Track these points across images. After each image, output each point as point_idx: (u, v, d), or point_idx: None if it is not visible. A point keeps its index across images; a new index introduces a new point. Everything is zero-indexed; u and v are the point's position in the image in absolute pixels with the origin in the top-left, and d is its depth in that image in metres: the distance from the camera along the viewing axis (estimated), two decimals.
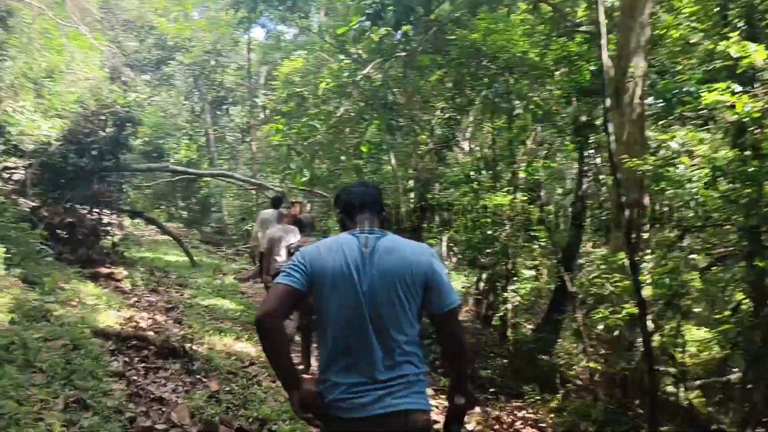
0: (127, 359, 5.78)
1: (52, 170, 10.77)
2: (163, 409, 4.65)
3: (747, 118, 5.29)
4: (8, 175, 10.94)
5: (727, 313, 6.69)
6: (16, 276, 7.15)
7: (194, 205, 24.83)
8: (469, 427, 6.37)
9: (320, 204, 15.98)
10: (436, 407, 5.49)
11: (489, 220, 10.20)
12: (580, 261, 11.93)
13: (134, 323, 7.41)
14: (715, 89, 5.53)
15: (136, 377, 5.32)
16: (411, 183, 11.91)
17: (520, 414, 7.18)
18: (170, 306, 9.08)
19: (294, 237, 7.34)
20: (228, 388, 5.51)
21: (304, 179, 11.57)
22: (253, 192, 20.76)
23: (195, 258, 14.71)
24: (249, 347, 7.33)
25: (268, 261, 7.79)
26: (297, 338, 7.15)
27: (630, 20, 7.40)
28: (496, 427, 6.72)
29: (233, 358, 6.73)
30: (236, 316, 9.24)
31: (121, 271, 10.54)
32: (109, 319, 7.24)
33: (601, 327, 7.17)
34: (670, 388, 7.27)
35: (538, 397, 7.56)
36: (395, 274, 2.44)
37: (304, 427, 4.75)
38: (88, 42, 16.51)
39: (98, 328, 6.43)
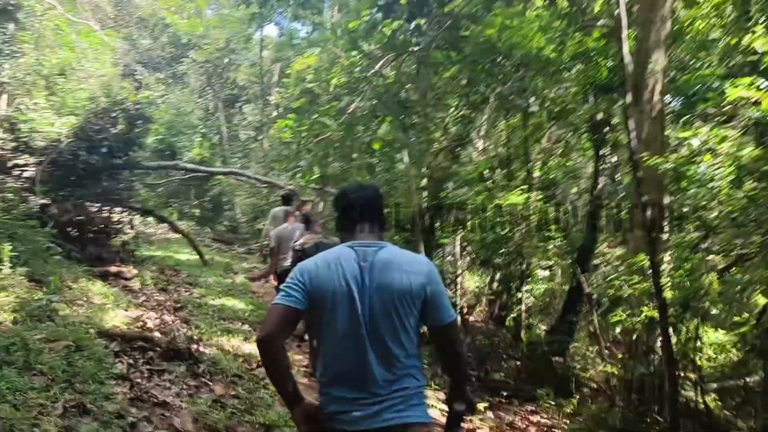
0: (131, 361, 5.63)
1: (62, 167, 10.69)
2: (166, 414, 4.51)
3: None
4: (19, 172, 10.84)
5: (746, 315, 6.47)
6: (21, 274, 7.04)
7: (207, 204, 24.81)
8: None
9: (332, 201, 15.82)
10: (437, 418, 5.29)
11: (503, 219, 10.03)
12: (595, 261, 11.71)
13: (141, 323, 7.31)
14: (740, 85, 5.31)
15: (139, 380, 5.18)
16: (424, 182, 11.73)
17: (534, 419, 7.00)
18: (179, 305, 8.97)
19: (300, 235, 7.27)
20: (234, 392, 5.36)
21: (314, 177, 11.42)
22: (266, 190, 20.67)
23: (206, 256, 14.64)
24: (257, 349, 7.18)
25: (276, 259, 7.89)
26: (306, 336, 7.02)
27: (650, 14, 7.18)
28: None
29: (240, 360, 6.59)
30: (245, 316, 9.10)
31: (130, 270, 10.47)
32: (116, 318, 7.14)
33: (618, 330, 6.97)
34: (689, 394, 7.04)
35: (553, 402, 7.37)
36: (394, 288, 2.43)
37: None
38: (99, 39, 16.45)
39: (103, 329, 6.32)
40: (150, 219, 15.79)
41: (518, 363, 9.61)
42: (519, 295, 10.70)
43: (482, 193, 10.80)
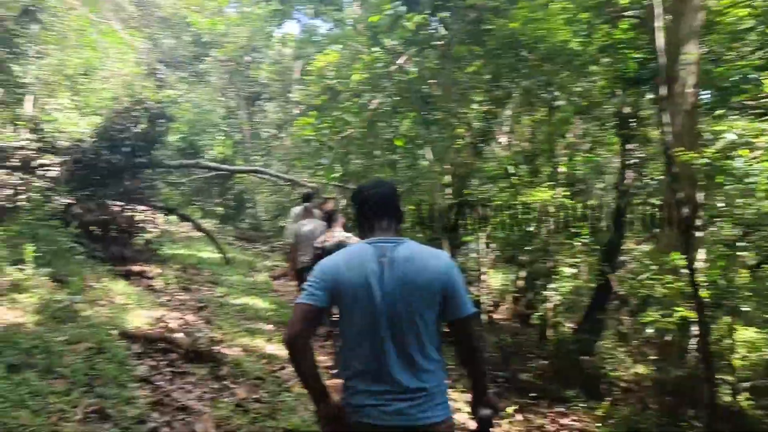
0: (153, 363, 5.58)
1: (85, 167, 10.68)
2: (188, 419, 4.42)
3: None
4: (42, 172, 10.87)
5: None
6: (44, 275, 7.02)
7: (229, 202, 24.82)
8: None
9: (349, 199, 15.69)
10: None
11: (528, 216, 9.84)
12: (623, 258, 11.47)
13: (164, 324, 7.25)
14: None
15: (161, 383, 5.11)
16: (447, 178, 11.56)
17: (563, 422, 6.81)
18: (201, 305, 8.91)
19: (321, 232, 7.26)
20: (256, 396, 5.25)
21: (336, 175, 11.29)
22: (288, 188, 20.62)
23: (229, 255, 14.60)
24: (280, 349, 7.09)
25: (294, 256, 8.03)
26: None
27: (681, 4, 6.96)
28: None
29: (263, 361, 6.49)
30: (268, 315, 9.02)
31: (153, 269, 10.44)
32: (139, 319, 7.09)
33: (650, 330, 6.76)
34: (724, 395, 6.82)
35: (583, 404, 7.18)
36: (413, 283, 2.47)
37: None
38: (121, 38, 16.49)
39: (126, 330, 6.27)
40: (173, 217, 15.77)
41: (545, 362, 9.41)
42: (544, 292, 10.50)
43: (507, 190, 10.62)
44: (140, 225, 11.64)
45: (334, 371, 6.26)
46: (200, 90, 27.71)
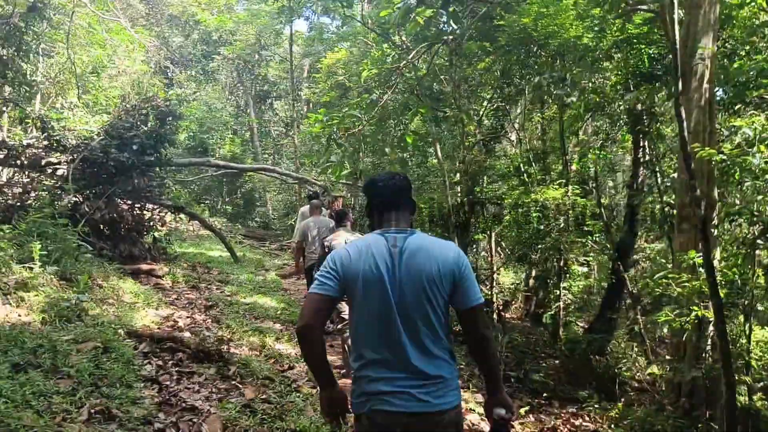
0: (160, 363, 5.50)
1: (94, 165, 10.63)
2: (194, 420, 4.33)
3: None
4: (51, 171, 10.83)
5: None
6: (51, 273, 6.96)
7: (238, 200, 24.81)
8: None
9: (364, 198, 15.60)
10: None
11: (539, 214, 9.73)
12: (635, 257, 11.32)
13: (172, 323, 7.20)
14: None
15: (168, 383, 5.03)
16: (458, 176, 11.44)
17: (576, 423, 6.70)
18: (210, 304, 8.85)
19: (328, 230, 7.37)
20: (264, 396, 5.16)
21: (345, 172, 11.19)
22: (297, 186, 20.58)
23: (238, 253, 14.56)
24: (289, 348, 7.01)
25: (300, 253, 8.34)
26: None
27: None
28: None
29: (272, 361, 6.41)
30: (277, 314, 8.94)
31: (162, 268, 10.40)
32: (146, 318, 7.03)
33: (665, 330, 6.63)
34: (741, 396, 6.68)
35: (597, 405, 7.05)
36: (424, 273, 2.50)
37: None
38: (130, 36, 16.45)
39: (133, 329, 6.20)
40: (182, 216, 15.74)
41: (557, 362, 9.29)
42: (556, 291, 10.37)
43: (518, 188, 10.49)
44: (149, 223, 11.59)
45: (343, 371, 6.19)
46: (209, 88, 27.71)
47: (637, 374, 8.66)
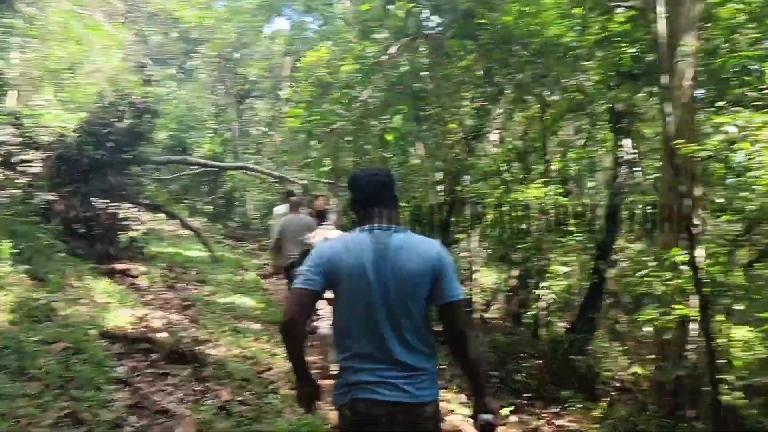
0: (133, 364, 5.34)
1: (68, 163, 10.39)
2: (167, 423, 4.19)
3: None
4: (24, 168, 10.58)
5: None
6: (22, 273, 6.76)
7: (219, 200, 24.55)
8: None
9: (345, 197, 15.48)
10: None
11: (521, 214, 9.69)
12: (615, 257, 11.31)
13: (146, 323, 7.01)
14: None
15: (141, 385, 4.88)
16: (439, 175, 11.37)
17: (559, 423, 6.63)
18: (187, 304, 8.66)
19: (307, 228, 7.17)
20: (241, 398, 5.02)
21: (325, 169, 11.06)
22: (277, 185, 20.41)
23: (217, 253, 14.34)
24: (267, 349, 6.87)
25: (277, 251, 8.16)
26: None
27: None
28: None
29: (249, 362, 6.26)
30: (256, 314, 8.79)
31: (137, 267, 10.17)
32: (120, 318, 6.85)
33: (647, 329, 6.59)
34: (725, 396, 6.65)
35: (579, 405, 6.99)
36: (407, 269, 2.51)
37: None
38: (107, 32, 16.18)
39: (106, 329, 6.03)
40: (161, 215, 15.49)
41: (539, 362, 9.24)
42: (537, 291, 10.34)
43: (499, 187, 10.45)
44: (125, 222, 11.34)
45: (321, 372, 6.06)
46: (189, 87, 27.42)
47: (619, 373, 8.63)
